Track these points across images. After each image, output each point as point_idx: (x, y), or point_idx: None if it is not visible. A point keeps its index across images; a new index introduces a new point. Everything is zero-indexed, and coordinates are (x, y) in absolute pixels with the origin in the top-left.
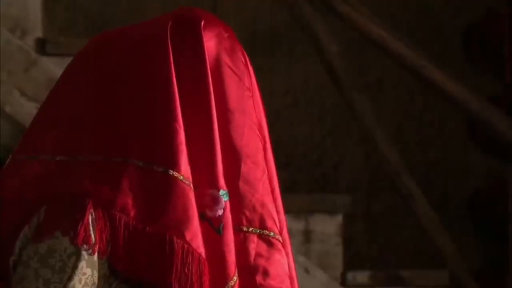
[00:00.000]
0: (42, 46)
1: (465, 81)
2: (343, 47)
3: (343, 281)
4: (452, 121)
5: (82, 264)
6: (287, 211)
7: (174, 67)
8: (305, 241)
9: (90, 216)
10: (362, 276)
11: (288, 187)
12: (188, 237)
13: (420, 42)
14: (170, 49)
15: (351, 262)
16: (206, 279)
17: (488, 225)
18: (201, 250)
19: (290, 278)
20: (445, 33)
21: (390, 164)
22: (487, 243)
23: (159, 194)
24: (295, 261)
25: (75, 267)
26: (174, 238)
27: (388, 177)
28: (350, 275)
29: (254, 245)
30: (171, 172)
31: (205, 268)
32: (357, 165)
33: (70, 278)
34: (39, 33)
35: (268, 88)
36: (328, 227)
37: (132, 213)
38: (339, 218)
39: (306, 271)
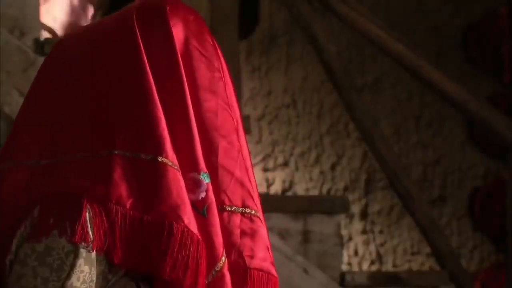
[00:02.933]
0: (40, 47)
1: (464, 81)
2: (341, 47)
3: (342, 281)
4: (450, 121)
5: (80, 261)
6: (285, 211)
7: (145, 55)
8: (303, 241)
9: (87, 213)
10: (360, 276)
11: (287, 187)
12: (186, 221)
13: (418, 42)
14: (139, 38)
15: (350, 262)
16: (203, 261)
17: (486, 225)
18: (198, 232)
19: (269, 250)
20: (444, 33)
21: (389, 164)
22: (486, 243)
23: (151, 181)
24: (294, 261)
25: (73, 265)
26: (174, 223)
27: (387, 177)
28: (348, 276)
29: (238, 223)
30: (160, 158)
31: (203, 250)
32: (355, 165)
33: (68, 276)
34: (37, 34)
35: (267, 88)
36: (326, 227)
37: (128, 204)
38: (337, 218)
39: (305, 271)
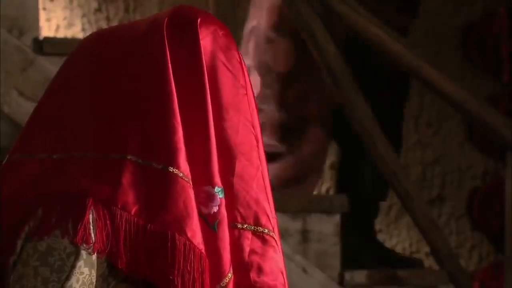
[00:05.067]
0: (39, 46)
1: (463, 81)
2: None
3: (341, 281)
4: (449, 121)
5: (80, 263)
6: (284, 210)
7: (171, 64)
8: (302, 241)
9: (91, 215)
10: (360, 276)
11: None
12: (189, 234)
13: (418, 42)
14: (167, 46)
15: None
16: (207, 276)
17: (485, 224)
18: (202, 247)
19: (283, 274)
20: (443, 33)
21: (388, 163)
22: (485, 243)
23: (159, 191)
24: (293, 261)
25: (73, 266)
26: (176, 235)
27: (386, 177)
28: (348, 275)
29: (249, 241)
30: (171, 169)
31: (206, 265)
32: None
33: (68, 278)
34: (36, 33)
35: None
36: (325, 227)
37: (133, 210)
38: (336, 218)
39: (304, 271)
